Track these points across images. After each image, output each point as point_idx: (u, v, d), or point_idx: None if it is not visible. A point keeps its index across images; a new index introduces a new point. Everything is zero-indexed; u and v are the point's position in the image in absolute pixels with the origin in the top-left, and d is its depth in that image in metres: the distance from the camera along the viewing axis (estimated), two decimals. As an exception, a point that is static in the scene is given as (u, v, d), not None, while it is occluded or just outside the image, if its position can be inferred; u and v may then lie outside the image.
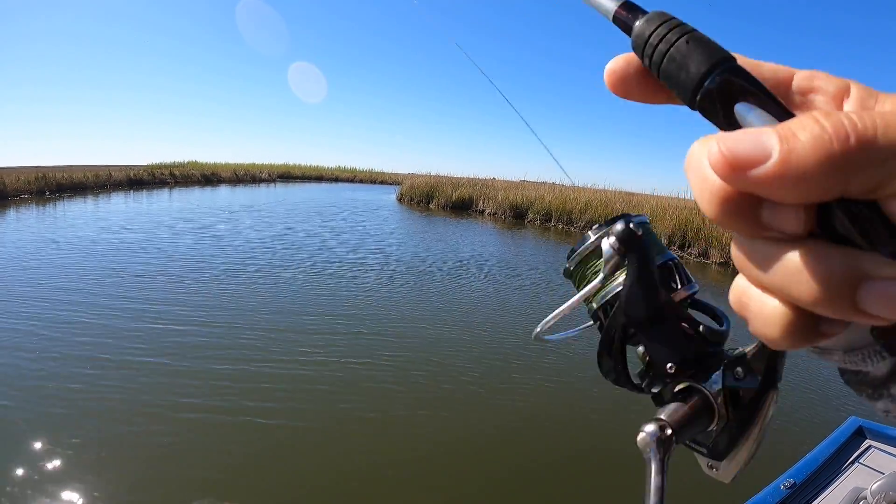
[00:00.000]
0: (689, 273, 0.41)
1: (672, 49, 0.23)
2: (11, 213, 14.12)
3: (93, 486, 2.82)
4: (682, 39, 0.23)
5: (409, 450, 3.40)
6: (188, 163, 35.32)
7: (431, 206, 21.48)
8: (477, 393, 4.28)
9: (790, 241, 0.19)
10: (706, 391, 0.36)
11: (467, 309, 6.72)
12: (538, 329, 0.43)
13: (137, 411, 3.58)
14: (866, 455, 2.24)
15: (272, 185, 33.64)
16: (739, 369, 0.36)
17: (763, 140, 0.18)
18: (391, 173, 50.66)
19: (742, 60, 0.24)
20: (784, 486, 2.02)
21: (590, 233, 0.42)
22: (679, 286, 0.39)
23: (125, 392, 3.84)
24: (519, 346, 5.40)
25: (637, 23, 0.25)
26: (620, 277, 0.39)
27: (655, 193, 20.09)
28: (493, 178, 29.96)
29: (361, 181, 45.67)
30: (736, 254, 0.22)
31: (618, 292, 0.39)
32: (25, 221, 12.93)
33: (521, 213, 19.04)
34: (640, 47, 0.25)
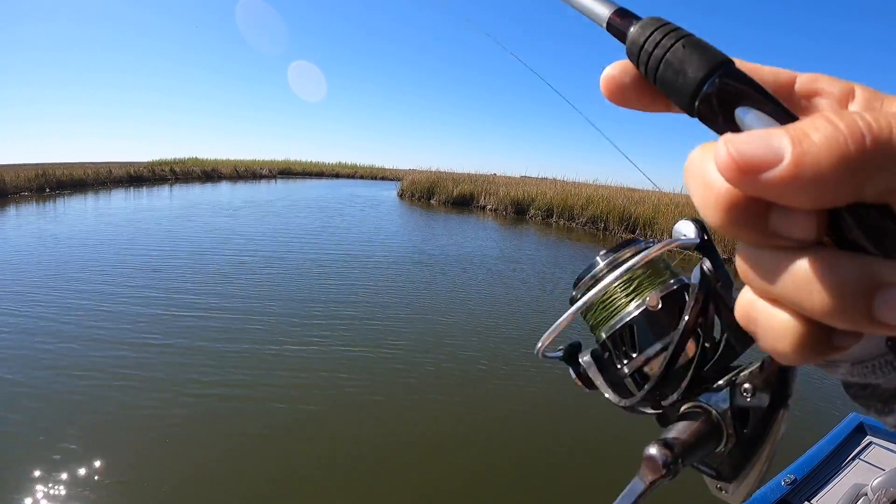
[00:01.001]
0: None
1: (668, 54, 0.22)
2: (12, 210, 14.15)
3: (104, 464, 2.95)
4: (679, 44, 0.22)
5: (410, 432, 3.52)
6: (189, 159, 35.34)
7: (433, 201, 21.45)
8: (481, 380, 4.34)
9: (799, 250, 0.18)
10: (713, 411, 0.34)
11: (471, 300, 6.74)
12: (540, 346, 0.40)
13: (147, 394, 3.75)
14: (867, 451, 2.24)
15: (273, 181, 33.63)
16: (748, 386, 0.33)
17: (774, 141, 0.17)
18: (392, 169, 50.54)
19: (741, 64, 0.23)
20: (785, 481, 2.02)
21: (598, 258, 0.40)
22: (688, 314, 0.36)
23: (136, 376, 3.99)
24: (523, 337, 5.43)
25: (631, 29, 0.24)
26: (632, 305, 0.38)
27: (657, 189, 20.03)
28: (494, 174, 29.93)
29: (362, 177, 45.61)
30: (741, 265, 0.20)
31: (628, 321, 0.38)
32: (27, 217, 12.96)
33: (522, 209, 19.00)
34: (634, 54, 0.24)
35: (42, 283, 6.38)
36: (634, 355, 0.38)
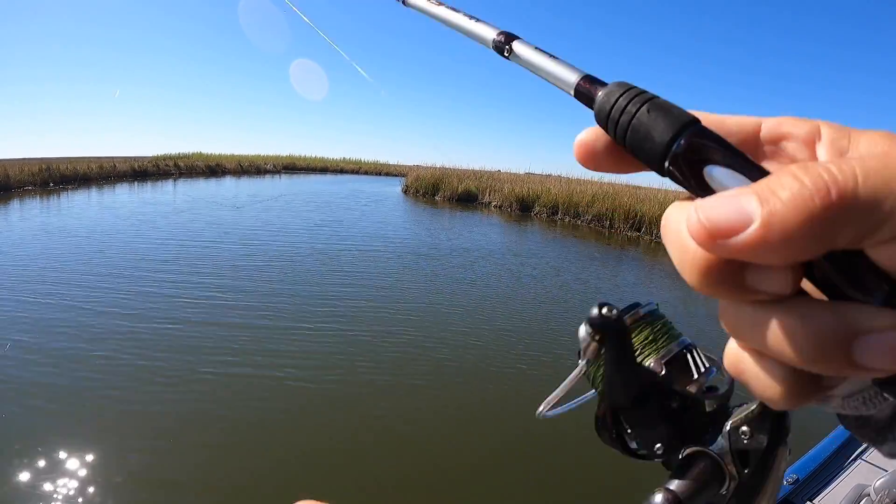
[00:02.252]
0: (703, 358, 0.39)
1: (634, 120, 0.23)
2: (16, 204, 14.23)
3: (116, 444, 3.04)
4: (643, 109, 0.23)
5: (414, 418, 3.61)
6: (193, 154, 35.37)
7: (437, 197, 21.45)
8: (487, 368, 4.40)
9: (778, 303, 0.19)
10: (714, 455, 0.36)
11: (481, 293, 6.80)
12: (541, 409, 0.41)
13: (160, 374, 3.90)
14: (870, 451, 2.22)
15: (277, 176, 33.70)
16: (745, 429, 0.35)
17: (742, 204, 0.17)
18: (396, 165, 50.54)
19: (706, 118, 0.23)
20: (787, 481, 2.01)
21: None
22: (696, 375, 0.38)
23: (148, 365, 4.07)
24: (532, 330, 5.47)
25: (598, 95, 0.25)
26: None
27: (664, 187, 19.85)
28: (499, 171, 29.84)
29: (367, 173, 45.65)
30: (724, 320, 0.21)
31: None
32: (32, 211, 13.02)
33: (527, 205, 18.99)
34: (603, 120, 0.24)
35: (52, 273, 6.43)
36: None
